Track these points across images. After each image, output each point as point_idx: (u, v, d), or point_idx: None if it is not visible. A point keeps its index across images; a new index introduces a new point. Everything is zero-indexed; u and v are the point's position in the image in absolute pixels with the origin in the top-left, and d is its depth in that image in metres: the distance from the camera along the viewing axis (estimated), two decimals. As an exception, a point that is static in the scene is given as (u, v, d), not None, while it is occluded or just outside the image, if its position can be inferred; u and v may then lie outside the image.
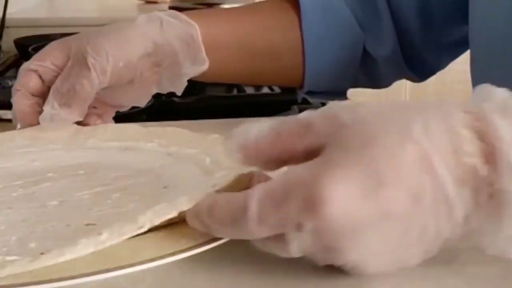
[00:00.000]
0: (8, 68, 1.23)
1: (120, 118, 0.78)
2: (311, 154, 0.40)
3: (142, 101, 0.71)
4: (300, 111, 0.87)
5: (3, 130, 0.67)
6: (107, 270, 0.41)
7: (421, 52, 0.78)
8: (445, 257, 0.44)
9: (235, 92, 1.02)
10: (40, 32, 1.33)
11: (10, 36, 1.32)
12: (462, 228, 0.40)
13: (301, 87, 0.80)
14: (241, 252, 0.44)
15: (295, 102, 0.93)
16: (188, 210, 0.43)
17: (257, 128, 0.42)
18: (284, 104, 0.85)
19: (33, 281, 0.40)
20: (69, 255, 0.41)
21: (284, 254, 0.40)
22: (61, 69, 0.66)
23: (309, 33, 0.75)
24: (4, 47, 1.32)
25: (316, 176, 0.38)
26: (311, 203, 0.38)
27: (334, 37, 0.76)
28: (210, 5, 1.26)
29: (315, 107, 0.93)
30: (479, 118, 0.39)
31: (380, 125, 0.40)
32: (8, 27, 1.35)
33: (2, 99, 0.93)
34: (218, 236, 0.42)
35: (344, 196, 0.38)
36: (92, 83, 0.64)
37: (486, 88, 0.42)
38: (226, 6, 1.27)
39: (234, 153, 0.43)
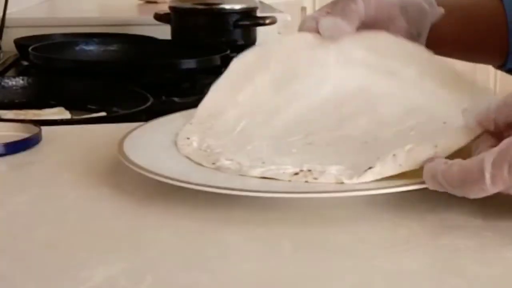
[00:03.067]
0: (8, 68, 1.23)
1: (120, 117, 0.78)
2: None
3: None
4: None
5: (4, 129, 0.67)
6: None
7: None
8: (445, 257, 0.44)
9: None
10: (40, 32, 1.33)
11: (10, 36, 1.32)
12: None
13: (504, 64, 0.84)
14: (241, 252, 0.45)
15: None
16: (425, 171, 0.49)
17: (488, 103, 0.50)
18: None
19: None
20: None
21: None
22: None
23: (509, 5, 0.80)
24: (4, 47, 1.32)
25: None
26: None
27: None
28: (210, 5, 1.27)
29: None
30: None
31: None
32: (8, 27, 1.35)
33: (2, 99, 0.94)
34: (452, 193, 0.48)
35: None
36: (358, 7, 0.70)
37: None
38: (226, 6, 1.27)
39: (472, 123, 0.51)
